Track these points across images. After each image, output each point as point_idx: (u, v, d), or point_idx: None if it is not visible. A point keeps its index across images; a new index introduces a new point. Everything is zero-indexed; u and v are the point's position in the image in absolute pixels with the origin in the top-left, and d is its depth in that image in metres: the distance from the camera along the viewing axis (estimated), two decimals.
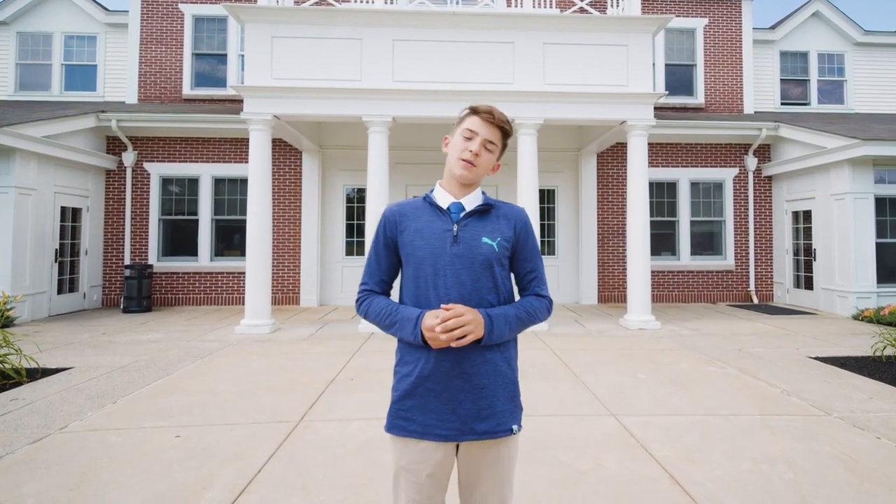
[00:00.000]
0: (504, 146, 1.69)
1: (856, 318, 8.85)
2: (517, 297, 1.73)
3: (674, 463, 3.24)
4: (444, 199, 1.67)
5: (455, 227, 1.61)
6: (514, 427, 1.62)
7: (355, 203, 11.15)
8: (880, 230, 9.27)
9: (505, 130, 1.64)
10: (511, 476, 1.65)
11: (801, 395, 4.64)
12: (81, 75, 11.87)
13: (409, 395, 1.58)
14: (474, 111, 1.63)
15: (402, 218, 1.66)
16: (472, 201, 1.67)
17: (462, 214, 1.64)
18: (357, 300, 1.70)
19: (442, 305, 1.52)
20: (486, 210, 1.67)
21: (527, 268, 1.70)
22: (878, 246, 9.21)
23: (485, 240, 1.61)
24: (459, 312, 1.49)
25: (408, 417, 1.58)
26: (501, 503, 1.63)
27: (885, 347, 5.97)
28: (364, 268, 1.73)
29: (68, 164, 9.46)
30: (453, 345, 1.49)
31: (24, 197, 8.48)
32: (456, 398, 1.56)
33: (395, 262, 1.70)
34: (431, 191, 1.72)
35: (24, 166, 8.50)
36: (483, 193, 1.71)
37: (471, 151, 1.60)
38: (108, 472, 3.09)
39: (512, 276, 1.72)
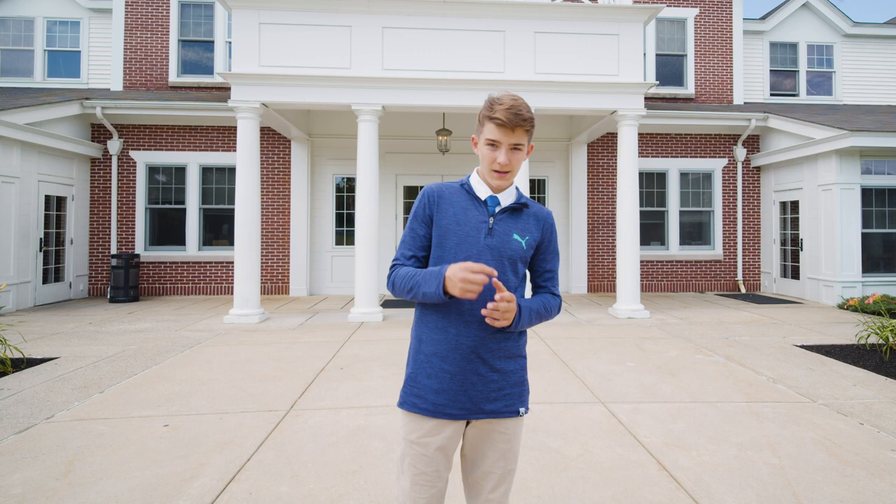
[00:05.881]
0: (531, 134, 1.65)
1: (841, 307, 8.97)
2: (528, 292, 1.75)
3: (661, 449, 3.28)
4: (481, 189, 1.69)
5: (491, 220, 1.65)
6: (521, 409, 1.68)
7: (345, 192, 11.08)
8: (866, 220, 9.38)
9: (526, 129, 1.60)
10: (515, 455, 1.70)
11: (786, 382, 4.71)
12: (65, 62, 11.63)
13: (425, 374, 1.63)
14: (490, 118, 1.58)
15: (440, 199, 1.69)
16: (507, 197, 1.70)
17: (497, 209, 1.67)
18: (388, 275, 1.71)
19: (497, 295, 1.50)
20: (519, 208, 1.70)
21: (545, 267, 1.76)
22: (864, 236, 9.33)
23: (515, 236, 1.66)
24: (510, 298, 1.51)
25: (420, 395, 1.63)
26: (502, 478, 1.67)
27: (868, 336, 6.06)
28: (400, 242, 1.74)
29: (52, 151, 9.30)
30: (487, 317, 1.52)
31: (7, 185, 8.34)
32: (469, 380, 1.61)
33: (429, 240, 1.71)
34: (468, 178, 1.74)
35: (7, 154, 8.34)
36: (517, 189, 1.74)
37: (500, 163, 1.60)
38: (95, 462, 3.07)
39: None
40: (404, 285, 1.61)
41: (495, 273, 1.47)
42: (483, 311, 1.51)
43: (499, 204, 1.68)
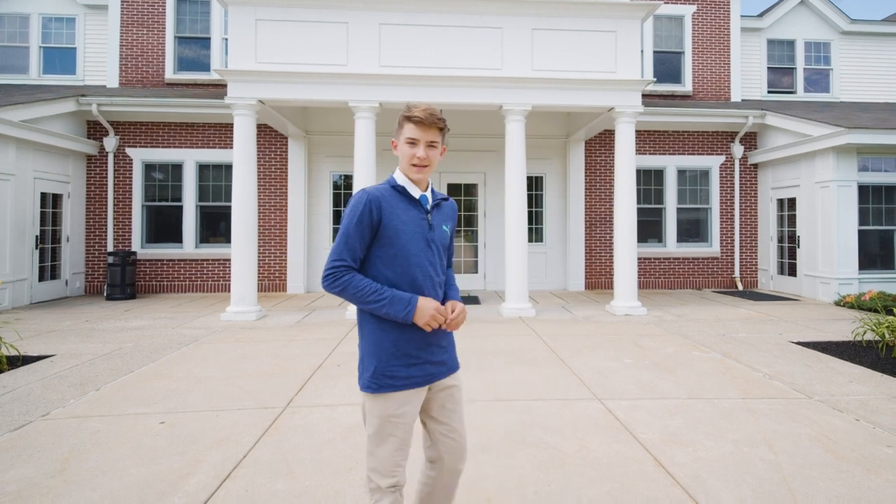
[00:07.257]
0: (444, 134, 1.93)
1: (837, 303, 8.99)
2: None
3: (658, 445, 3.28)
4: (414, 189, 1.92)
5: (429, 217, 1.92)
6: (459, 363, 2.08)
7: (342, 190, 11.06)
8: (863, 217, 9.40)
9: (440, 127, 1.88)
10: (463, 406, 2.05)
11: (782, 378, 4.72)
12: (60, 58, 11.57)
13: (394, 357, 1.84)
14: (408, 118, 1.85)
15: (383, 202, 1.85)
16: (428, 193, 1.97)
17: (429, 206, 1.94)
18: (331, 274, 1.79)
19: (446, 321, 1.87)
20: (439, 203, 2.00)
21: (451, 247, 2.11)
22: (861, 233, 9.35)
23: (444, 227, 1.99)
24: (460, 311, 1.89)
25: (394, 375, 1.83)
26: (461, 423, 1.99)
27: (865, 332, 6.07)
28: (339, 244, 1.81)
29: (48, 149, 9.26)
30: (451, 329, 1.92)
31: (2, 182, 8.29)
32: (430, 351, 1.90)
33: (370, 243, 1.86)
34: (393, 179, 1.92)
35: (2, 151, 8.29)
36: (430, 185, 2.01)
37: (419, 157, 1.86)
38: (91, 459, 3.06)
39: None
40: (363, 297, 1.79)
41: (451, 315, 1.87)
42: (432, 322, 1.83)
43: (428, 201, 1.94)
